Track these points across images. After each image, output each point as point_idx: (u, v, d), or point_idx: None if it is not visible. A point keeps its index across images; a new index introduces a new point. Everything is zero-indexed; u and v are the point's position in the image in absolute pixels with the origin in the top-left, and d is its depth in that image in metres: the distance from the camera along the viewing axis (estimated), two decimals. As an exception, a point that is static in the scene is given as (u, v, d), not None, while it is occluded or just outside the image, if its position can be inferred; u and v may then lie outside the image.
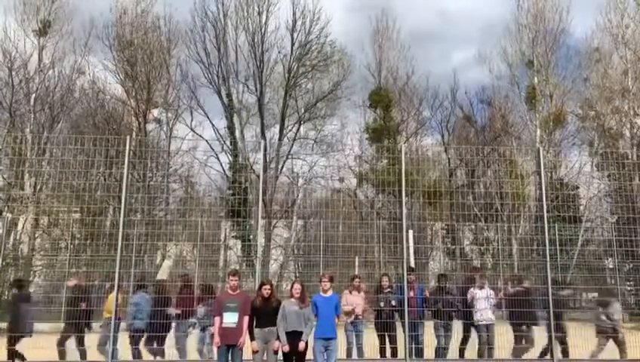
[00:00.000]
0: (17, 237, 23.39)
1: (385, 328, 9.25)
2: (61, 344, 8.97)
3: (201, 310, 9.11)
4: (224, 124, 28.86)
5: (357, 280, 9.69)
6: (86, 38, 27.82)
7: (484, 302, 9.28)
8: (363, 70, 32.50)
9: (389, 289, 9.50)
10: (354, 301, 9.32)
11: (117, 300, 8.60)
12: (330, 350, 7.13)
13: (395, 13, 47.85)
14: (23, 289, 9.63)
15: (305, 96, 29.58)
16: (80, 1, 28.63)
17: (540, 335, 9.22)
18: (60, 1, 27.84)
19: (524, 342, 9.28)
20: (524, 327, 9.21)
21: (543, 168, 9.60)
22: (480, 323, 9.25)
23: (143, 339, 9.15)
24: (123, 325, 9.31)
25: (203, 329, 9.11)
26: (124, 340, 8.99)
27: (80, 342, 9.03)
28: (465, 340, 9.42)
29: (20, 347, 8.78)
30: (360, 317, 9.32)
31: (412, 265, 10.30)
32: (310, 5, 29.33)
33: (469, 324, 9.37)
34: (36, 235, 24.44)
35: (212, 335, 8.85)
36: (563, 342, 9.30)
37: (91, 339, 9.16)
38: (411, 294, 8.99)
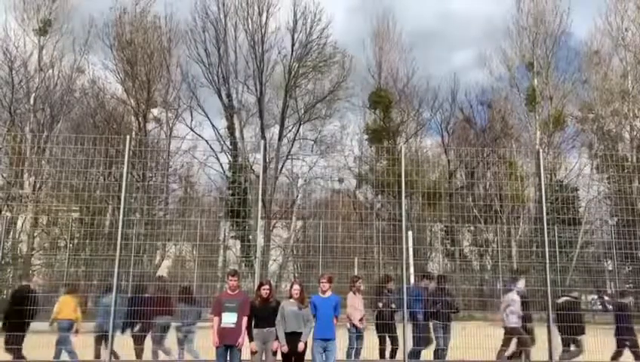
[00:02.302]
0: (16, 236, 23.36)
1: (385, 329, 9.24)
2: (7, 343, 9.00)
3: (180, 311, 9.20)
4: (224, 124, 28.92)
5: (360, 281, 9.66)
6: (86, 38, 27.83)
7: (518, 306, 9.24)
8: (363, 71, 32.58)
9: (388, 292, 9.49)
10: (359, 303, 9.30)
11: (115, 301, 8.59)
12: (328, 351, 7.12)
13: (396, 15, 47.86)
14: None
15: (305, 97, 29.59)
16: (80, 0, 28.50)
17: (610, 341, 9.25)
18: (60, 0, 27.83)
19: (572, 348, 9.26)
20: (577, 337, 9.17)
21: (543, 170, 9.55)
22: (516, 326, 9.18)
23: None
24: (83, 326, 9.46)
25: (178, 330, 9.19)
26: (84, 340, 9.15)
27: (18, 342, 8.99)
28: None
29: None
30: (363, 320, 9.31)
31: (411, 266, 10.29)
32: (311, 6, 29.23)
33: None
34: (35, 234, 24.43)
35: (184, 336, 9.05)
36: (635, 346, 9.24)
37: (33, 340, 9.23)
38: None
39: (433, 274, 10.41)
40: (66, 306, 9.29)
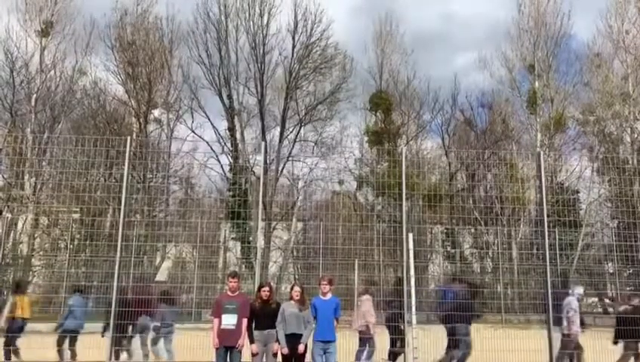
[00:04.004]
0: (17, 237, 23.37)
1: (395, 331, 9.28)
2: None
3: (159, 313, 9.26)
4: (225, 125, 28.90)
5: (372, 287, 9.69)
6: (87, 39, 27.87)
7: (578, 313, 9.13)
8: (364, 73, 32.59)
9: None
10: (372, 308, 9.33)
11: (116, 303, 8.60)
12: (328, 353, 7.11)
13: (397, 17, 47.72)
14: None
15: (306, 99, 29.60)
16: (82, 2, 28.56)
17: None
18: (62, 2, 27.90)
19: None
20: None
21: (544, 172, 9.53)
22: (578, 333, 9.06)
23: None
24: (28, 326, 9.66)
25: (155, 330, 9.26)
26: (26, 341, 9.33)
27: None
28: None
29: None
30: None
31: (412, 269, 10.30)
32: (312, 7, 29.29)
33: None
34: (36, 235, 24.44)
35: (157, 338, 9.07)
36: None
37: None
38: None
39: (463, 277, 10.50)
40: (22, 305, 9.52)
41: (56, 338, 9.23)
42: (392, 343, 9.32)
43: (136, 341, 9.27)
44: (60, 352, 9.16)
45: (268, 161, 27.36)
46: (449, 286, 10.16)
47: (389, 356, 9.30)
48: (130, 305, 8.84)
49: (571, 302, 9.20)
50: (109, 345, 8.49)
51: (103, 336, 8.93)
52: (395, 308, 9.25)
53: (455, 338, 9.04)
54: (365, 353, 9.11)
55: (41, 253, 24.21)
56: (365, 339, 9.21)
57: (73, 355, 9.24)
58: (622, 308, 9.71)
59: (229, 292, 7.33)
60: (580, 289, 9.57)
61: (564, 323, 9.07)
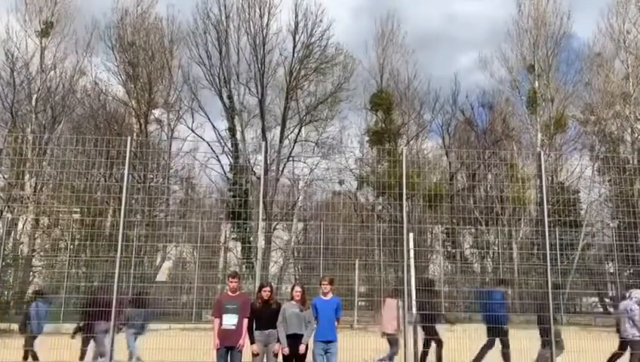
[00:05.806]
0: (17, 238, 23.37)
1: (432, 332, 9.30)
2: None
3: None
4: (225, 125, 28.90)
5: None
6: (88, 39, 27.87)
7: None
8: (365, 73, 32.57)
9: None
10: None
11: (118, 303, 8.59)
12: (329, 353, 7.11)
13: (399, 17, 47.69)
14: None
15: (306, 99, 29.59)
16: (82, 2, 28.58)
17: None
18: (62, 2, 27.90)
19: None
20: None
21: (544, 172, 9.53)
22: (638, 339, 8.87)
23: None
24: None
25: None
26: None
27: None
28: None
29: None
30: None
31: (412, 268, 10.31)
32: (312, 7, 29.28)
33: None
34: (36, 236, 24.44)
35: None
36: None
37: None
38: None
39: (507, 279, 10.57)
40: None
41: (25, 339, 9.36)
42: (426, 344, 9.36)
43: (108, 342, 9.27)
44: (34, 354, 9.23)
45: (268, 161, 27.33)
46: (494, 287, 10.22)
47: (422, 356, 9.31)
48: (94, 306, 8.84)
49: (632, 306, 9.01)
50: (108, 344, 8.50)
51: (73, 338, 9.00)
52: (427, 310, 9.26)
53: (545, 339, 8.92)
54: (391, 356, 9.16)
55: (41, 253, 24.21)
56: (393, 342, 9.26)
57: (27, 355, 9.21)
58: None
59: (229, 293, 7.33)
60: (638, 294, 9.28)
61: (628, 328, 8.88)
